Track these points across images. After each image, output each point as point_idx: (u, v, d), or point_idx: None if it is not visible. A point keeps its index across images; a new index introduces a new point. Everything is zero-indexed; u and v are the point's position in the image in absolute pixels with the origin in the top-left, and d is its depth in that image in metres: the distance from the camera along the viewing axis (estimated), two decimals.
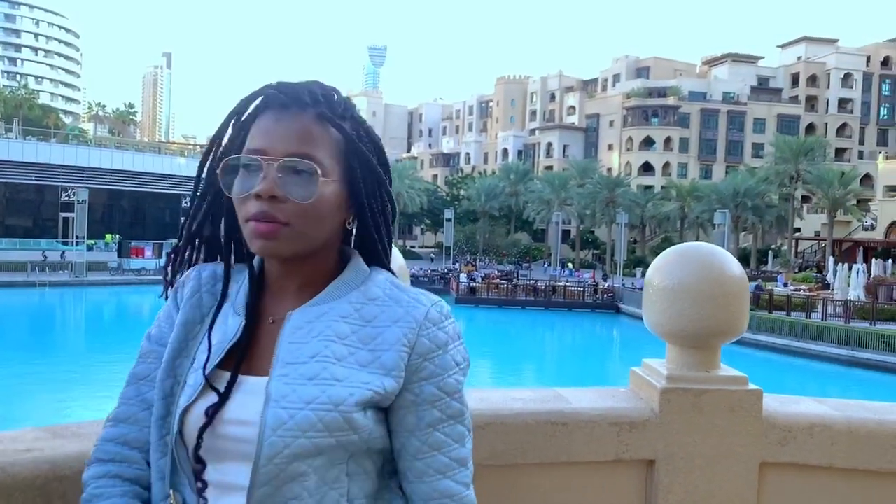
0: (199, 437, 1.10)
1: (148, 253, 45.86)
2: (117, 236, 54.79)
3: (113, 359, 22.08)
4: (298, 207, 1.09)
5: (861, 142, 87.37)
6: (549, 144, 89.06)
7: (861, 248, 57.72)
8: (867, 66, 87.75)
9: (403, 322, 1.13)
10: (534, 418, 1.62)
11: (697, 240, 65.62)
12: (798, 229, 67.23)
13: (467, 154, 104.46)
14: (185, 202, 71.80)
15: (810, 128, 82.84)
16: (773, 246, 67.38)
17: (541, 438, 1.62)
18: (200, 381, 1.12)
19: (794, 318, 31.19)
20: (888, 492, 1.70)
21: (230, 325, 1.17)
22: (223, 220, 1.21)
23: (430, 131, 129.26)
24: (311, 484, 1.06)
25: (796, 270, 55.42)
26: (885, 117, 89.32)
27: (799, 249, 67.53)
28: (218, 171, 1.15)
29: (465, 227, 72.81)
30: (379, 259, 1.23)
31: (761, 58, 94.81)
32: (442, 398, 1.13)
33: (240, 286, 1.21)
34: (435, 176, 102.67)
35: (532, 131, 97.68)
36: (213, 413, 1.10)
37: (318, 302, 1.15)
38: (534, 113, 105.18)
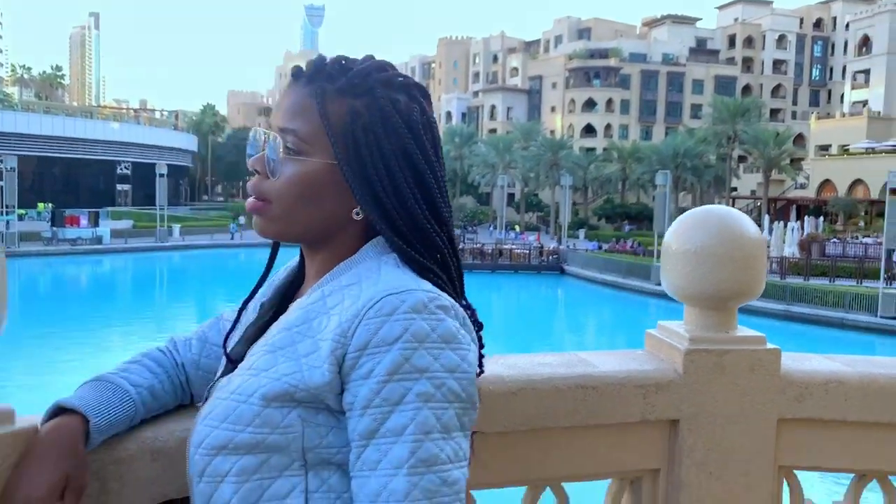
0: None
1: (84, 222, 44.24)
2: (50, 205, 52.76)
3: (47, 332, 21.43)
4: (276, 184, 1.05)
5: (794, 102, 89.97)
6: (493, 107, 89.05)
7: (794, 206, 59.82)
8: (800, 27, 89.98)
9: (352, 310, 0.98)
10: (564, 383, 1.63)
11: (639, 200, 66.71)
12: (735, 189, 69.16)
13: None
14: (121, 168, 69.68)
15: (746, 89, 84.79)
16: (711, 205, 69.22)
17: (571, 402, 1.63)
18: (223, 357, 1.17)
19: None
20: None
21: (249, 311, 1.20)
22: None
23: None
24: (245, 490, 0.97)
25: None
26: (817, 78, 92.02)
27: (736, 208, 69.53)
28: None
29: None
30: (407, 255, 1.06)
31: (699, 19, 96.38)
32: (379, 406, 0.94)
33: (280, 273, 1.24)
34: None
35: (475, 93, 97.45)
36: (210, 389, 1.11)
37: (311, 290, 1.08)
38: (477, 75, 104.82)
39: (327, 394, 0.97)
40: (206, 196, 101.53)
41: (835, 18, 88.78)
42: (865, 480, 1.84)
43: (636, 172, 63.85)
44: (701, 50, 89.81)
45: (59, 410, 1.08)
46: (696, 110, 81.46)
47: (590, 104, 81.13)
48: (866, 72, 73.86)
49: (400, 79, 1.11)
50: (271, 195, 1.06)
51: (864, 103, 71.83)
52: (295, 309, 1.07)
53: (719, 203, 67.88)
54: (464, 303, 1.11)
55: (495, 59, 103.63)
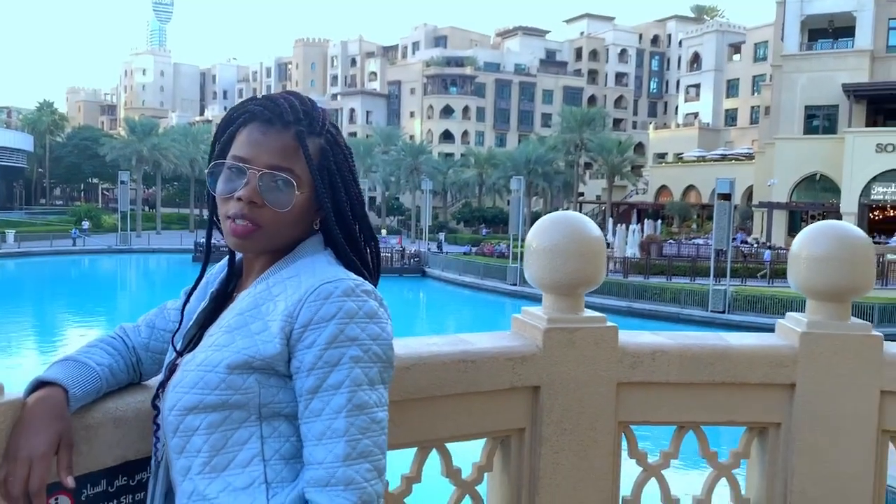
0: (158, 390, 1.35)
1: None
2: None
3: None
4: (274, 214, 1.28)
5: (635, 113, 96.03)
6: (353, 110, 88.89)
7: (635, 210, 63.98)
8: (640, 42, 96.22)
9: (295, 296, 1.25)
10: (449, 358, 1.96)
11: (494, 204, 68.11)
12: (582, 194, 72.95)
13: None
14: None
15: (592, 99, 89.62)
16: (560, 209, 72.51)
17: (454, 374, 1.97)
18: (170, 350, 1.39)
19: None
20: (707, 397, 2.24)
21: (193, 303, 1.44)
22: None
23: (224, 93, 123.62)
24: (213, 439, 1.23)
25: None
26: (655, 91, 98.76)
27: (583, 212, 73.41)
28: (206, 171, 1.36)
29: None
30: (340, 248, 1.35)
31: (549, 31, 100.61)
32: (322, 367, 1.20)
33: (218, 274, 1.47)
34: None
35: (334, 96, 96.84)
36: (168, 373, 1.35)
37: (254, 283, 1.34)
38: (335, 77, 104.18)
39: (278, 362, 1.24)
40: (43, 199, 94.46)
41: (669, 35, 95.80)
42: (684, 431, 2.30)
43: (492, 178, 65.99)
44: (550, 61, 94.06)
45: (39, 384, 1.29)
46: (546, 119, 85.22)
47: (447, 111, 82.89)
48: (697, 86, 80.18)
49: (325, 112, 1.40)
50: (265, 221, 1.28)
51: (696, 115, 77.94)
52: (245, 297, 1.33)
53: (568, 207, 71.46)
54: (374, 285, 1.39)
55: (353, 62, 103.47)
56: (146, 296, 33.97)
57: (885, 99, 43.51)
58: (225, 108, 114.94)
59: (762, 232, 49.20)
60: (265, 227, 1.29)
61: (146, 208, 71.05)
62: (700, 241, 43.05)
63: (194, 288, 1.47)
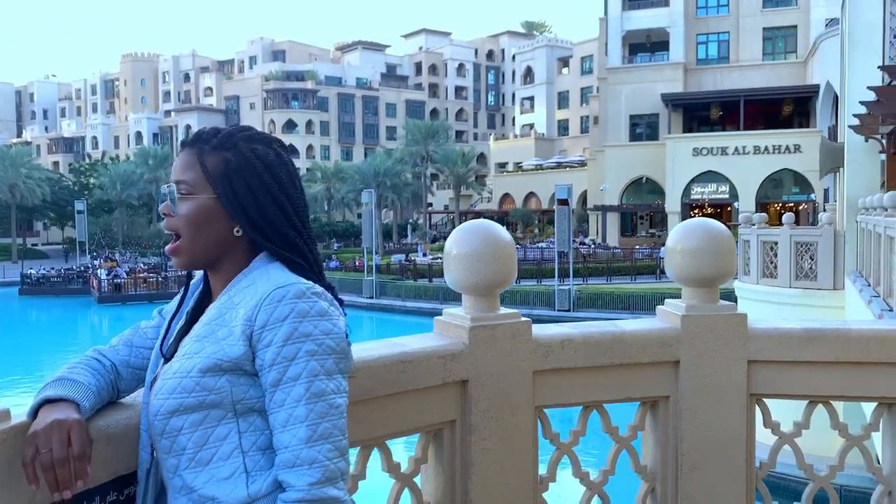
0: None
1: None
2: None
3: None
4: (179, 219, 1.47)
5: (475, 125, 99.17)
6: (188, 127, 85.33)
7: (482, 218, 66.00)
8: (476, 57, 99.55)
9: (252, 302, 1.39)
10: (390, 360, 2.12)
11: (344, 218, 67.57)
12: (430, 204, 74.34)
13: (94, 138, 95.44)
14: None
15: (434, 112, 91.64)
16: (410, 220, 73.53)
17: (394, 374, 2.13)
18: (157, 361, 1.52)
19: (437, 284, 34.92)
20: (609, 378, 2.54)
21: (176, 321, 1.57)
22: None
23: (45, 113, 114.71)
24: (196, 436, 1.37)
25: (432, 241, 61.45)
26: (492, 103, 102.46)
27: (433, 222, 74.80)
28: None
29: (100, 219, 66.72)
30: (279, 255, 1.49)
31: (388, 46, 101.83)
32: (280, 363, 1.34)
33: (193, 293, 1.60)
34: (56, 163, 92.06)
35: (167, 113, 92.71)
36: (151, 382, 1.49)
37: (220, 296, 1.49)
38: (168, 93, 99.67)
39: (244, 362, 1.39)
40: None
41: (503, 50, 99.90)
42: (589, 410, 2.59)
43: (341, 191, 65.81)
44: (392, 76, 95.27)
45: (45, 402, 1.35)
46: (391, 132, 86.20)
47: (290, 125, 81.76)
48: (531, 98, 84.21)
49: (258, 135, 1.57)
50: (178, 228, 1.47)
51: (532, 126, 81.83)
52: (211, 309, 1.48)
53: (418, 218, 72.63)
54: (325, 283, 1.53)
55: (187, 77, 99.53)
56: None
57: (698, 107, 47.88)
58: (46, 129, 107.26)
59: (598, 233, 52.46)
60: (182, 236, 1.47)
61: None
62: (543, 245, 45.27)
63: (180, 304, 1.59)
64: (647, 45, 49.76)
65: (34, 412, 1.34)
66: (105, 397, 1.51)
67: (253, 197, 1.48)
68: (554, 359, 2.45)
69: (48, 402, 1.35)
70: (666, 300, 2.75)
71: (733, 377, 2.59)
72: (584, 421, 2.58)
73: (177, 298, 1.61)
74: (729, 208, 44.70)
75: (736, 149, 43.58)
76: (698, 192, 45.20)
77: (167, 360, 1.47)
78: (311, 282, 1.44)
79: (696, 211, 45.76)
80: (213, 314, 1.45)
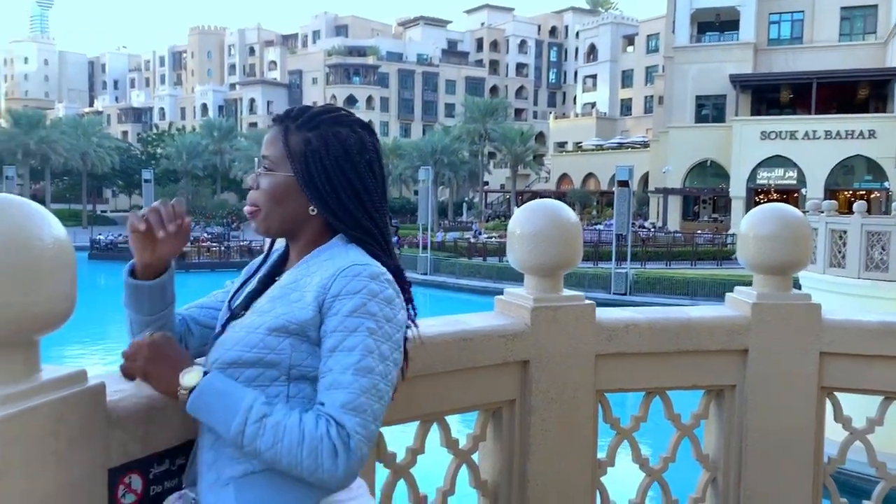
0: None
1: None
2: None
3: None
4: (261, 194, 1.53)
5: (535, 103, 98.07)
6: (252, 100, 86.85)
7: (538, 198, 65.41)
8: (539, 34, 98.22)
9: (329, 272, 1.43)
10: (451, 337, 2.12)
11: (401, 195, 67.96)
12: (487, 183, 74.02)
13: (161, 109, 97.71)
14: None
15: (494, 90, 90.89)
16: (466, 198, 73.48)
17: (455, 351, 2.12)
18: (225, 315, 1.59)
19: (490, 263, 34.85)
20: (673, 364, 2.49)
21: (251, 282, 1.63)
22: None
23: (115, 83, 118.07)
24: None
25: (487, 220, 61.32)
26: (554, 81, 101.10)
27: (488, 201, 74.54)
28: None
29: (166, 189, 68.45)
30: (351, 237, 1.53)
31: (450, 22, 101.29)
32: (341, 331, 1.38)
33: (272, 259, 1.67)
34: (125, 133, 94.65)
35: (232, 86, 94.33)
36: (217, 335, 1.55)
37: (297, 266, 1.55)
38: (233, 67, 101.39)
39: (310, 327, 1.41)
40: None
41: (567, 27, 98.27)
42: (651, 396, 2.54)
43: (398, 168, 66.04)
44: (452, 52, 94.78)
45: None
46: (450, 109, 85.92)
47: (351, 101, 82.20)
48: (594, 77, 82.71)
49: (345, 118, 1.58)
50: (258, 201, 1.54)
51: (593, 105, 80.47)
52: (286, 276, 1.55)
53: (474, 196, 72.49)
54: (395, 265, 1.56)
55: (252, 51, 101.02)
56: None
57: (768, 89, 46.30)
58: (116, 99, 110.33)
59: (658, 216, 51.48)
60: (261, 208, 1.53)
61: None
62: (601, 227, 44.68)
63: (259, 267, 1.66)
64: (716, 24, 48.25)
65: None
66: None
67: (328, 179, 1.51)
68: (617, 343, 2.41)
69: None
70: (736, 287, 2.67)
71: (804, 369, 2.50)
72: (646, 407, 2.54)
73: (256, 261, 1.68)
74: (796, 195, 43.26)
75: (806, 133, 42.07)
76: (764, 177, 43.89)
77: (234, 317, 1.53)
78: (384, 268, 1.47)
79: (761, 196, 44.48)
80: (288, 279, 1.51)
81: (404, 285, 1.56)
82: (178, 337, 1.60)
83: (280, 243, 1.65)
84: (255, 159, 1.57)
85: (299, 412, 1.34)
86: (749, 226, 2.53)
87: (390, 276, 1.47)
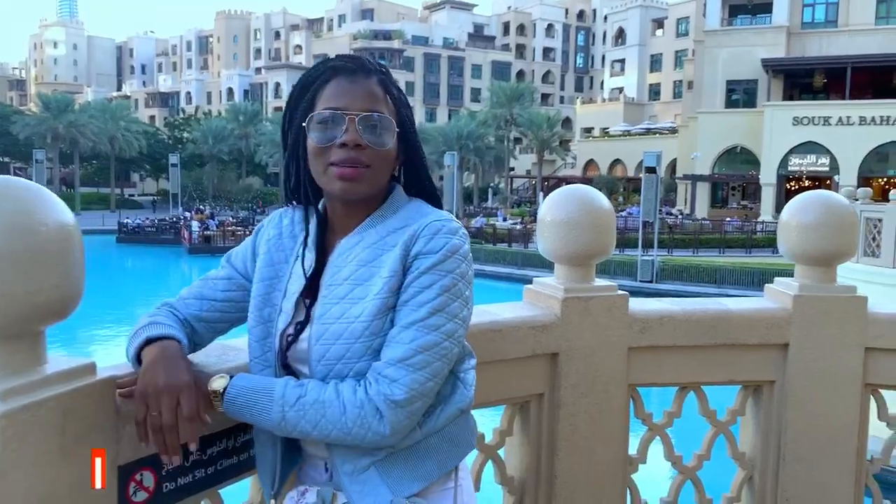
0: (287, 349, 1.41)
1: None
2: None
3: None
4: (376, 153, 1.37)
5: (562, 87, 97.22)
6: (278, 84, 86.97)
7: (564, 184, 64.87)
8: (566, 17, 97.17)
9: (409, 233, 1.36)
10: (477, 328, 2.03)
11: None
12: (512, 168, 73.63)
13: (188, 93, 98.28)
14: None
15: (520, 74, 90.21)
16: (491, 184, 73.13)
17: (483, 343, 2.03)
18: (291, 308, 1.42)
19: (514, 249, 34.68)
20: (709, 358, 2.38)
21: (307, 259, 1.45)
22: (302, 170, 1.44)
23: (143, 68, 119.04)
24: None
25: (512, 206, 60.99)
26: (581, 66, 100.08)
27: (514, 187, 74.15)
28: (304, 125, 1.40)
29: (192, 173, 69.02)
30: (425, 193, 1.48)
31: (476, 5, 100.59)
32: (416, 286, 1.32)
33: (310, 227, 1.48)
34: (152, 117, 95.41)
35: (258, 70, 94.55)
36: (299, 331, 1.40)
37: (357, 232, 1.42)
38: (259, 51, 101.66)
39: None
40: None
41: (595, 10, 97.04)
42: (686, 391, 2.44)
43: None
44: (478, 36, 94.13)
45: (147, 342, 1.34)
46: (475, 94, 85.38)
47: None
48: (622, 61, 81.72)
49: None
50: (371, 161, 1.37)
51: (621, 90, 79.50)
52: (358, 248, 1.40)
53: (499, 182, 72.11)
54: None
55: (278, 35, 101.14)
56: None
57: (801, 73, 45.36)
58: (144, 84, 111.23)
59: (686, 203, 50.85)
60: (372, 167, 1.37)
61: (64, 188, 68.18)
62: (624, 213, 44.20)
63: (305, 245, 1.48)
64: (748, 7, 47.32)
65: (137, 356, 1.33)
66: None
67: (414, 134, 1.46)
68: (651, 335, 2.31)
69: (149, 342, 1.33)
70: (776, 279, 2.55)
71: (848, 364, 2.38)
72: (679, 402, 2.44)
73: (262, 240, 1.52)
74: (828, 182, 42.41)
75: (840, 119, 41.20)
76: (796, 164, 43.10)
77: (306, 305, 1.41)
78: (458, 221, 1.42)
79: (792, 183, 43.73)
80: (367, 255, 1.38)
81: None
82: (185, 337, 1.47)
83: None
84: (337, 113, 1.35)
85: (334, 383, 1.30)
86: (791, 213, 2.40)
87: (464, 230, 1.41)
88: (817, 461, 2.42)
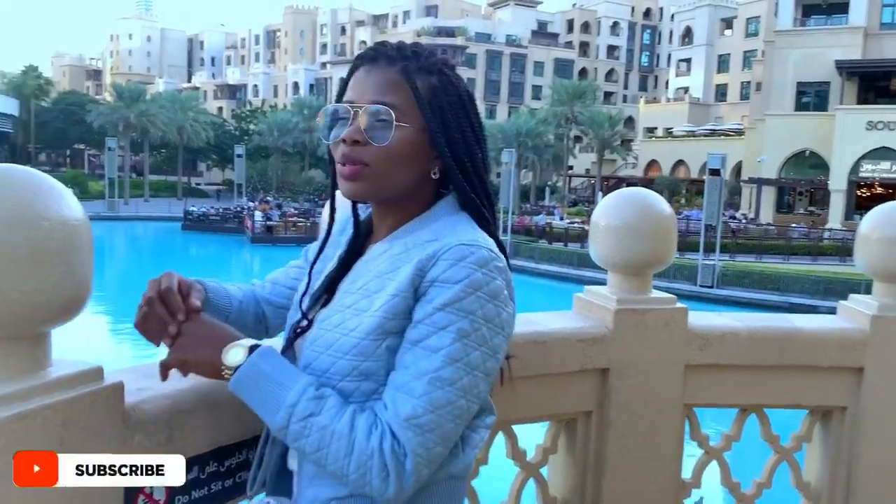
0: (293, 340, 1.32)
1: None
2: None
3: None
4: (377, 150, 1.20)
5: (625, 86, 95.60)
6: (342, 79, 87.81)
7: (625, 185, 63.96)
8: (632, 15, 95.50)
9: (429, 251, 1.17)
10: (521, 339, 1.90)
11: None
12: (571, 167, 72.79)
13: (255, 86, 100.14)
14: None
15: (583, 72, 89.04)
16: (549, 182, 72.44)
17: (525, 355, 1.90)
18: (296, 308, 1.35)
19: (570, 249, 34.21)
20: (775, 380, 2.20)
21: (329, 261, 1.37)
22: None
23: (212, 60, 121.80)
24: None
25: (570, 205, 60.29)
26: (646, 64, 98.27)
27: (572, 185, 73.32)
28: (317, 121, 1.28)
29: (257, 164, 70.30)
30: (472, 207, 1.27)
31: (540, 2, 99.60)
32: (429, 325, 1.13)
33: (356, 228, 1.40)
34: (220, 109, 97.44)
35: (324, 65, 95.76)
36: (297, 333, 1.31)
37: (388, 240, 1.28)
38: (325, 46, 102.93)
39: (407, 319, 1.16)
40: (28, 165, 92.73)
41: (661, 9, 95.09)
42: (746, 414, 2.26)
43: None
44: (542, 33, 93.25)
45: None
46: (536, 91, 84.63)
47: None
48: (688, 60, 79.87)
49: (450, 60, 1.32)
50: (370, 159, 1.20)
51: (686, 90, 77.72)
52: (382, 257, 1.25)
53: (557, 180, 71.38)
54: (500, 242, 1.28)
55: (343, 30, 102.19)
56: (135, 263, 33.76)
57: (878, 76, 43.55)
58: (213, 76, 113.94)
59: (750, 207, 49.41)
60: (371, 166, 1.21)
61: (133, 175, 70.27)
62: (681, 216, 43.14)
63: (322, 247, 1.39)
64: (823, 7, 45.62)
65: None
66: (249, 322, 1.47)
67: (462, 133, 1.25)
68: (711, 353, 2.13)
69: None
70: (851, 296, 2.34)
71: None
72: (739, 425, 2.26)
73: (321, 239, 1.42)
74: None
75: None
76: (868, 170, 41.38)
77: (305, 314, 1.31)
78: (497, 250, 1.21)
79: (863, 190, 42.04)
80: (386, 266, 1.23)
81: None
82: (255, 316, 1.48)
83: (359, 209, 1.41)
84: (339, 106, 1.23)
85: (352, 412, 1.12)
86: (871, 225, 2.20)
87: (502, 262, 1.20)
88: (891, 498, 2.21)
